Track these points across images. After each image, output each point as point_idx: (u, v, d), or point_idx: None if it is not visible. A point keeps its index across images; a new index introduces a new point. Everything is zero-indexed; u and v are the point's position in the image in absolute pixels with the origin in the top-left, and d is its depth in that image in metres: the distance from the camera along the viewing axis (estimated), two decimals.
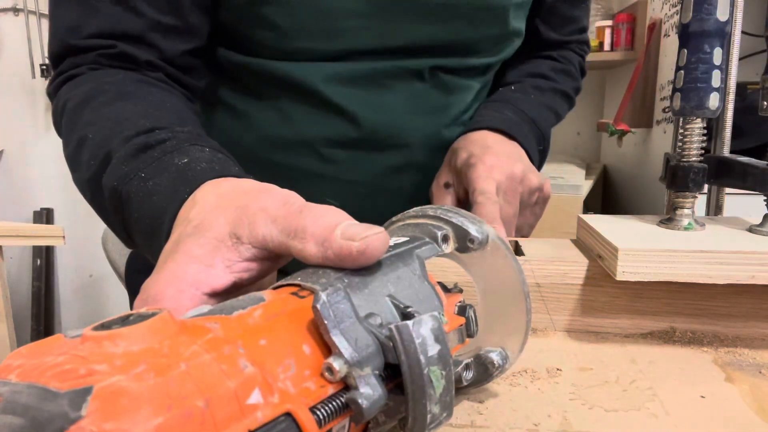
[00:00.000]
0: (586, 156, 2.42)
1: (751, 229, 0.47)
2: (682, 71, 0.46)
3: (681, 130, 0.48)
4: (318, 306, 0.22)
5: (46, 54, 0.54)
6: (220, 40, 0.59)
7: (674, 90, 0.47)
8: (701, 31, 0.44)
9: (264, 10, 0.54)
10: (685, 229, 0.47)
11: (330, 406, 0.21)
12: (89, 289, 2.65)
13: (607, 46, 2.03)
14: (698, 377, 0.38)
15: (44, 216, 2.55)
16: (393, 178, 0.64)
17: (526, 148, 0.63)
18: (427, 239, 0.31)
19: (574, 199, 1.73)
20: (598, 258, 0.45)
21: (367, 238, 0.26)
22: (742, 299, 0.44)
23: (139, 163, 0.40)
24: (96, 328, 0.19)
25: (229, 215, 0.30)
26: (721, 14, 0.44)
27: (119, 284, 1.95)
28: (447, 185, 0.61)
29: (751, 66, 1.58)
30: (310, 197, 0.61)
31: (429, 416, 0.23)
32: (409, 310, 0.25)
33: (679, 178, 0.47)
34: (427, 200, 0.67)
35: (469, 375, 0.32)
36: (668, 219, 0.49)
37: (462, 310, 0.30)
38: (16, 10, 2.41)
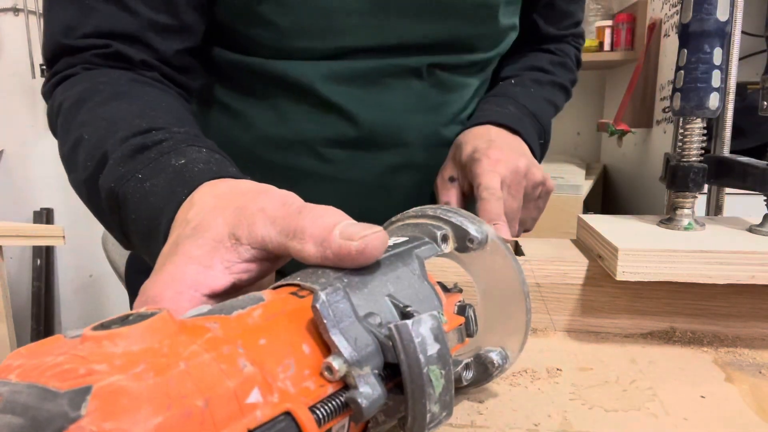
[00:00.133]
0: (586, 156, 2.42)
1: (751, 229, 0.47)
2: (682, 71, 0.46)
3: (681, 130, 0.48)
4: (317, 305, 0.22)
5: (41, 54, 0.54)
6: (216, 39, 0.59)
7: (674, 90, 0.47)
8: (701, 31, 0.44)
9: (261, 8, 0.54)
10: (685, 229, 0.47)
11: (329, 405, 0.21)
12: (89, 289, 2.65)
13: (607, 46, 2.03)
14: (698, 377, 0.38)
15: (44, 216, 2.55)
16: (392, 178, 0.64)
17: (529, 143, 0.63)
18: (427, 239, 0.31)
19: (574, 199, 1.73)
20: (598, 258, 0.45)
21: (366, 237, 0.26)
22: (742, 299, 0.44)
23: (136, 164, 0.40)
24: (96, 328, 0.19)
25: (227, 216, 0.30)
26: (721, 14, 0.44)
27: (119, 284, 1.95)
28: (452, 179, 0.61)
29: (751, 66, 1.58)
30: (308, 197, 0.60)
31: (428, 415, 0.23)
32: (409, 309, 0.25)
33: (679, 178, 0.47)
34: (428, 199, 0.67)
35: (468, 375, 0.32)
36: (668, 219, 0.49)
37: (461, 310, 0.30)
38: (16, 10, 2.41)
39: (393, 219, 0.35)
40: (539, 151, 0.68)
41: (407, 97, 0.61)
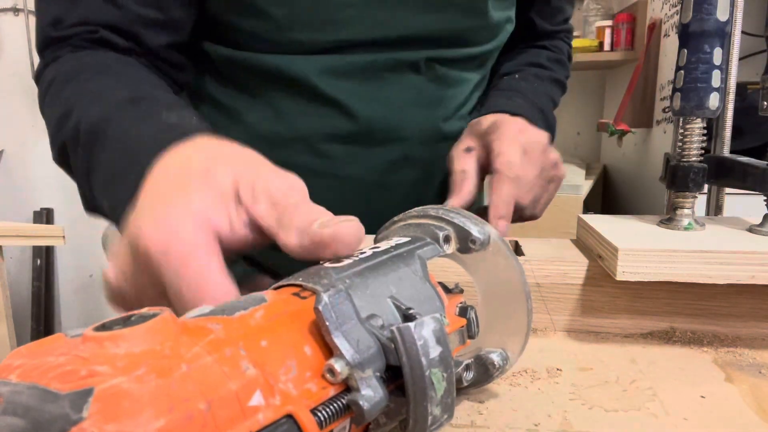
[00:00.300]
0: (586, 156, 2.42)
1: (751, 229, 0.47)
2: (682, 71, 0.46)
3: (681, 130, 0.48)
4: (320, 307, 0.22)
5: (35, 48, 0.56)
6: (207, 33, 0.59)
7: (674, 90, 0.47)
8: (701, 31, 0.44)
9: None
10: (685, 229, 0.47)
11: (331, 407, 0.21)
12: (89, 289, 2.65)
13: (607, 46, 2.03)
14: (698, 377, 0.38)
15: (44, 216, 2.55)
16: (392, 174, 0.63)
17: None
18: (429, 240, 0.31)
19: (574, 199, 1.73)
20: (598, 258, 0.45)
21: (339, 225, 0.26)
22: (742, 299, 0.44)
23: (126, 111, 0.39)
24: (97, 329, 0.19)
25: (238, 172, 0.29)
26: (721, 14, 0.44)
27: None
28: (469, 149, 0.59)
29: (751, 66, 1.58)
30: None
31: (430, 418, 0.23)
32: (411, 311, 0.25)
33: (679, 178, 0.47)
34: (429, 196, 0.66)
35: (469, 375, 0.32)
36: (668, 219, 0.49)
37: (463, 311, 0.30)
38: (16, 10, 2.41)
39: (395, 219, 0.35)
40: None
41: (405, 91, 0.61)
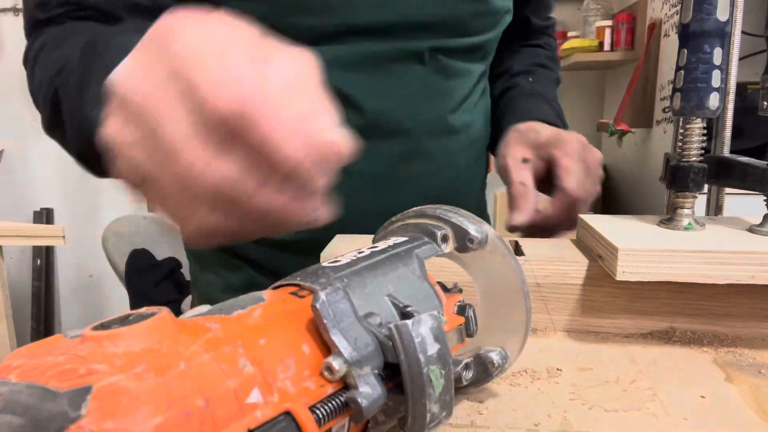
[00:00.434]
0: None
1: (751, 229, 0.47)
2: (682, 71, 0.46)
3: (681, 130, 0.48)
4: (317, 305, 0.22)
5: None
6: None
7: (674, 90, 0.47)
8: (701, 31, 0.44)
9: None
10: (685, 229, 0.47)
11: (329, 405, 0.21)
12: (89, 289, 2.65)
13: (607, 46, 2.03)
14: (698, 377, 0.38)
15: (44, 216, 2.55)
16: (400, 167, 0.62)
17: None
18: (427, 239, 0.31)
19: None
20: (598, 258, 0.45)
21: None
22: (742, 299, 0.44)
23: (126, 31, 0.40)
24: (96, 328, 0.19)
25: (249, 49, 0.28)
26: (721, 14, 0.44)
27: (119, 284, 1.96)
28: (525, 160, 0.61)
29: (751, 66, 1.58)
30: None
31: (428, 415, 0.23)
32: (409, 309, 0.25)
33: (679, 178, 0.47)
34: (439, 190, 0.65)
35: (468, 374, 0.32)
36: (668, 219, 0.49)
37: (461, 310, 0.30)
38: (16, 10, 2.41)
39: (393, 219, 0.35)
40: None
41: (411, 83, 0.60)
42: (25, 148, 2.53)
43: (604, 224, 0.48)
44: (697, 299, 0.44)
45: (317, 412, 0.21)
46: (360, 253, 0.29)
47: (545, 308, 0.46)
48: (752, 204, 0.55)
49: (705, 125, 0.47)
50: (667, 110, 1.67)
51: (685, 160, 0.48)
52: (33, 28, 0.54)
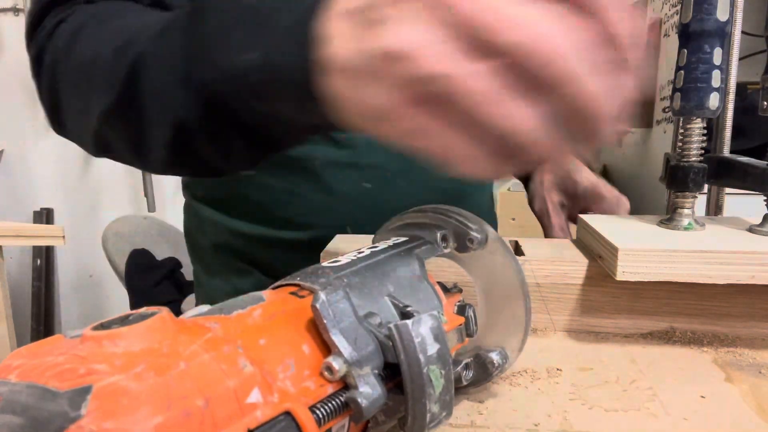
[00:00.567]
0: (586, 156, 2.42)
1: (751, 229, 0.47)
2: (682, 71, 0.46)
3: (681, 130, 0.48)
4: (317, 305, 0.22)
5: (25, 22, 0.49)
6: None
7: (674, 90, 0.47)
8: (701, 31, 0.44)
9: None
10: (685, 229, 0.47)
11: (329, 405, 0.21)
12: (89, 289, 2.65)
13: None
14: (698, 377, 0.38)
15: (44, 216, 2.55)
16: (415, 160, 0.62)
17: None
18: (427, 239, 0.31)
19: None
20: (598, 258, 0.45)
21: None
22: (742, 299, 0.44)
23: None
24: (96, 328, 0.19)
25: None
26: (721, 14, 0.44)
27: (119, 284, 1.96)
28: (563, 205, 0.66)
29: (751, 66, 1.58)
30: (329, 187, 0.58)
31: (428, 415, 0.23)
32: (409, 309, 0.25)
33: (679, 178, 0.47)
34: (456, 183, 0.65)
35: (468, 374, 0.32)
36: (668, 219, 0.49)
37: (461, 310, 0.30)
38: (16, 10, 2.41)
39: (393, 219, 0.35)
40: None
41: None
42: (25, 148, 2.53)
43: (604, 224, 0.48)
44: (697, 299, 0.44)
45: (317, 412, 0.21)
46: (360, 253, 0.29)
47: (545, 308, 0.46)
48: (752, 204, 0.55)
49: (705, 125, 0.47)
50: (667, 110, 1.67)
51: (685, 160, 0.47)
52: (43, 13, 0.47)
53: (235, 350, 0.20)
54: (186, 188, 0.73)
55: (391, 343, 0.23)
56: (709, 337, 0.44)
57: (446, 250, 0.32)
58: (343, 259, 0.27)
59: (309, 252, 0.62)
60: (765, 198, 0.47)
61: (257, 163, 0.39)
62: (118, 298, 2.59)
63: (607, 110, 0.24)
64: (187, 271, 2.14)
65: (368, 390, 0.22)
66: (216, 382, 0.18)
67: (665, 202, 1.56)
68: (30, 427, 0.16)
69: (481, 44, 0.22)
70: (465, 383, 0.32)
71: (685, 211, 0.48)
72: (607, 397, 0.35)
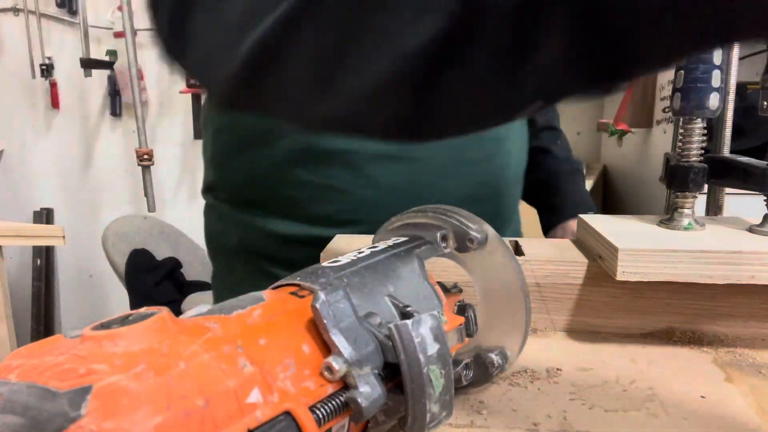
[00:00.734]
0: (586, 156, 2.42)
1: (751, 229, 0.47)
2: (682, 71, 0.46)
3: (681, 130, 0.48)
4: (317, 305, 0.22)
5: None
6: None
7: (674, 90, 0.47)
8: None
9: None
10: (685, 229, 0.47)
11: (329, 405, 0.21)
12: (89, 289, 2.65)
13: None
14: (698, 377, 0.38)
15: (44, 216, 2.55)
16: (464, 151, 0.60)
17: None
18: (427, 239, 0.31)
19: None
20: (598, 258, 0.45)
21: None
22: (742, 299, 0.44)
23: None
24: (95, 328, 0.19)
25: None
26: None
27: (119, 284, 1.96)
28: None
29: (751, 66, 1.58)
30: (373, 182, 0.53)
31: (428, 415, 0.23)
32: (409, 309, 0.25)
33: (679, 178, 0.47)
34: (502, 175, 0.64)
35: (468, 374, 0.32)
36: (668, 219, 0.49)
37: (462, 310, 0.30)
38: (16, 10, 2.41)
39: (393, 219, 0.35)
40: None
41: None
42: (25, 148, 2.53)
43: (604, 224, 0.48)
44: (697, 299, 0.44)
45: (317, 412, 0.21)
46: (360, 253, 0.29)
47: (545, 308, 0.46)
48: (752, 204, 0.55)
49: (705, 125, 0.47)
50: (667, 110, 1.67)
51: (685, 160, 0.47)
52: None
53: (235, 350, 0.20)
54: (208, 191, 0.71)
55: (391, 343, 0.23)
56: (709, 337, 0.44)
57: (446, 250, 0.32)
58: (343, 259, 0.27)
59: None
60: (765, 198, 0.47)
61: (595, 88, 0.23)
62: (118, 298, 2.59)
63: None
64: (187, 271, 2.14)
65: (368, 390, 0.22)
66: (216, 382, 0.18)
67: (665, 202, 1.56)
68: (30, 427, 0.16)
69: None
70: (465, 383, 0.32)
71: (685, 211, 0.48)
72: (607, 397, 0.35)
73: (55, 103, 2.44)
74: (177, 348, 0.18)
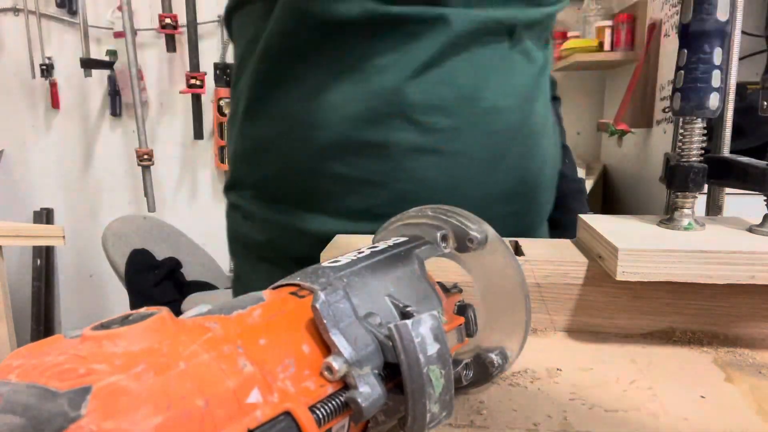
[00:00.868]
0: (586, 156, 2.42)
1: (751, 229, 0.47)
2: (682, 71, 0.46)
3: (681, 130, 0.48)
4: (317, 305, 0.22)
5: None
6: None
7: (674, 90, 0.47)
8: (701, 31, 0.44)
9: None
10: (685, 229, 0.47)
11: (329, 405, 0.21)
12: (89, 289, 2.65)
13: (607, 46, 2.03)
14: (698, 377, 0.38)
15: (44, 216, 2.55)
16: (507, 144, 0.58)
17: None
18: (427, 239, 0.31)
19: None
20: (598, 258, 0.45)
21: None
22: (742, 299, 0.44)
23: None
24: (95, 328, 0.19)
25: None
26: (721, 14, 0.44)
27: (119, 284, 1.96)
28: None
29: (751, 66, 1.58)
30: (411, 177, 0.53)
31: (428, 415, 0.23)
32: (409, 309, 0.25)
33: (679, 178, 0.47)
34: (535, 170, 0.64)
35: (468, 374, 0.32)
36: (668, 219, 0.49)
37: (461, 310, 0.30)
38: (16, 10, 2.41)
39: (393, 219, 0.35)
40: None
41: (500, 58, 0.58)
42: (25, 148, 2.53)
43: (604, 224, 0.48)
44: (697, 299, 0.44)
45: (317, 412, 0.21)
46: (360, 253, 0.29)
47: (545, 308, 0.46)
48: (752, 204, 0.55)
49: (705, 125, 0.47)
50: (667, 110, 1.67)
51: (685, 160, 0.47)
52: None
53: (235, 350, 0.20)
54: (231, 188, 0.69)
55: (391, 343, 0.23)
56: (709, 337, 0.44)
57: (446, 250, 0.32)
58: (343, 259, 0.27)
59: None
60: (765, 198, 0.47)
61: None
62: (118, 298, 2.59)
63: None
64: (187, 271, 2.14)
65: (368, 390, 0.22)
66: (216, 382, 0.18)
67: (665, 202, 1.56)
68: (30, 427, 0.16)
69: None
70: (465, 383, 0.32)
71: (685, 211, 0.48)
72: (607, 397, 0.35)
73: (55, 103, 2.44)
74: (177, 348, 0.18)
